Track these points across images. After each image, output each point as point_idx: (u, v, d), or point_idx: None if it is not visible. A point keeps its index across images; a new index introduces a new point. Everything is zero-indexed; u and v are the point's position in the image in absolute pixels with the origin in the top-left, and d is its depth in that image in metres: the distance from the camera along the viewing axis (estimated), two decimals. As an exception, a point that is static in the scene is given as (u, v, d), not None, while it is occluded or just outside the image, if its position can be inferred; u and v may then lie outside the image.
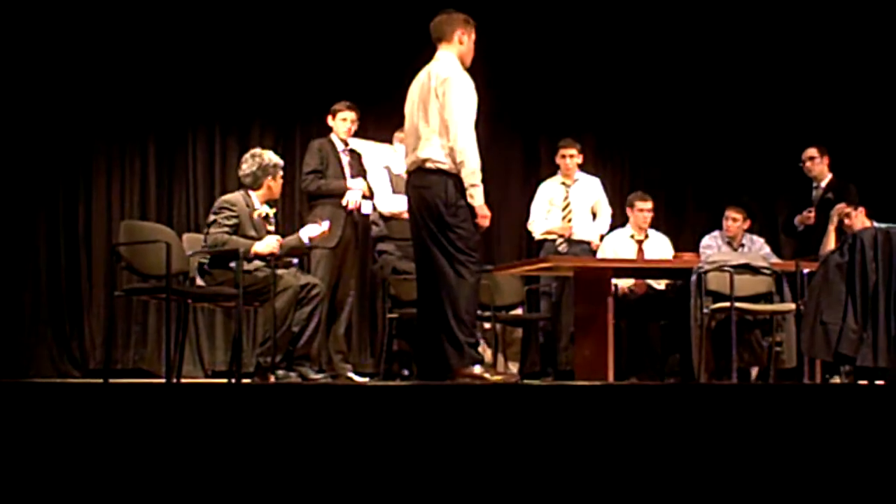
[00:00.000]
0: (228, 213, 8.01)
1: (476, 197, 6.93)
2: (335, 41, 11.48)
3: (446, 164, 6.93)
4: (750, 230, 10.30)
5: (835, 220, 9.30)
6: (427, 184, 6.99)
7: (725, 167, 12.73)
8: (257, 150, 8.45)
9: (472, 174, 6.90)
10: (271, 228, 8.25)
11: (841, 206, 9.35)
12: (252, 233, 8.05)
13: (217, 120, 11.40)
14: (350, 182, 8.98)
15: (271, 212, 8.32)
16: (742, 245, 10.10)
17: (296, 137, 11.46)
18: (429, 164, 6.97)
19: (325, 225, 8.42)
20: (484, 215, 6.98)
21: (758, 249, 9.98)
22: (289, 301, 7.91)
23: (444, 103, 6.93)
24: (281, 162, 8.40)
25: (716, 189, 12.33)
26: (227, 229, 7.94)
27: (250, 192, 8.24)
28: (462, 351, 6.88)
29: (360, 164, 9.24)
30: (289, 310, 7.92)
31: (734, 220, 10.16)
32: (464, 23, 7.18)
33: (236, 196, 8.23)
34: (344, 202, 8.90)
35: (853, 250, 7.71)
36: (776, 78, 12.71)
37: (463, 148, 6.87)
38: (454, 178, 6.93)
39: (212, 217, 8.07)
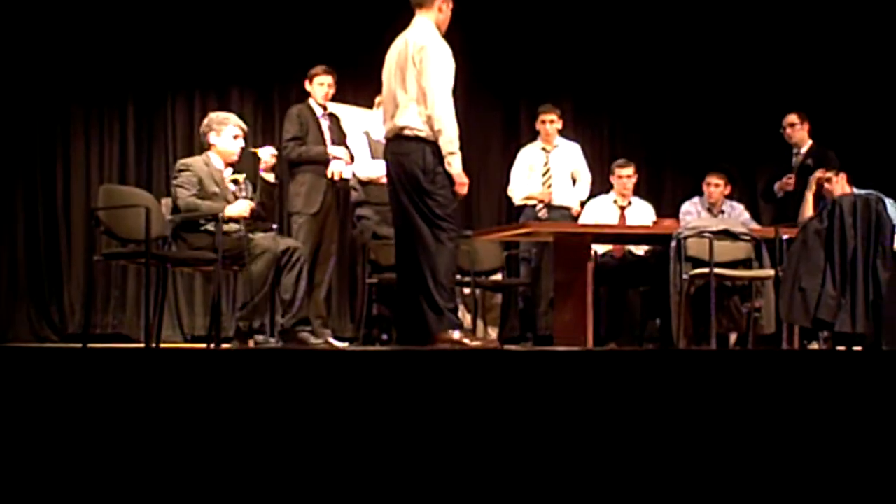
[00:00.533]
0: (188, 174, 7.98)
1: (454, 164, 6.97)
2: (314, 4, 11.43)
3: (424, 132, 6.96)
4: (729, 196, 10.30)
5: (813, 186, 9.32)
6: (405, 151, 7.02)
7: (705, 133, 12.75)
8: (214, 113, 8.49)
9: (449, 142, 6.94)
10: (243, 195, 8.21)
11: (819, 173, 9.36)
12: (215, 189, 8.02)
13: (196, 84, 11.36)
14: (332, 150, 8.96)
15: (241, 177, 8.27)
16: (722, 211, 10.11)
17: (274, 101, 11.45)
18: (407, 132, 6.99)
19: (266, 150, 8.38)
20: (462, 183, 7.02)
21: (738, 216, 9.99)
22: (267, 264, 7.88)
23: (422, 70, 6.95)
24: (234, 120, 8.30)
25: (696, 155, 12.34)
26: (194, 191, 7.92)
27: (208, 153, 8.23)
28: (442, 315, 6.91)
29: (340, 129, 9.22)
30: (268, 273, 7.89)
31: (716, 185, 10.16)
32: None
33: (193, 158, 8.23)
34: (329, 173, 8.88)
35: (832, 217, 7.74)
36: (757, 43, 12.71)
37: (440, 116, 6.90)
38: (432, 145, 6.96)
39: (174, 182, 8.04)
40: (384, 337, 9.60)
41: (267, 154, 8.31)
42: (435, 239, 6.94)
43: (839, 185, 9.29)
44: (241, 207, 7.98)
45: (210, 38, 11.24)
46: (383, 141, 7.35)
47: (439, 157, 6.95)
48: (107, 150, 11.11)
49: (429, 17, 7.15)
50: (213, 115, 8.36)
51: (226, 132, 8.22)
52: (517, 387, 4.80)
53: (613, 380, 5.00)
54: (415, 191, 6.98)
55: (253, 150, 8.38)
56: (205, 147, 8.26)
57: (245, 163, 8.44)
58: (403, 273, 7.15)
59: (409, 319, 7.05)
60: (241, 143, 8.30)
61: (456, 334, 6.91)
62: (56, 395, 4.33)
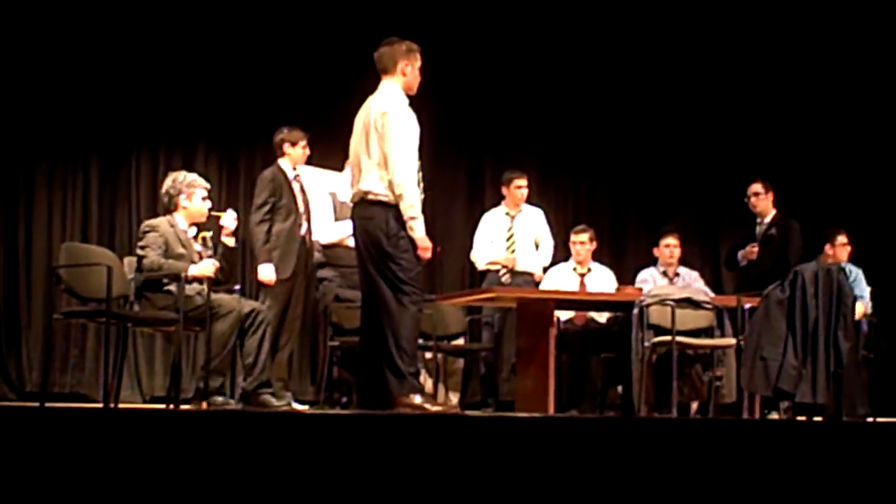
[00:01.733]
0: (154, 234, 7.99)
1: (416, 229, 7.01)
2: (283, 64, 11.44)
3: (387, 196, 7.00)
4: (687, 263, 10.31)
5: None
6: (369, 215, 7.06)
7: (670, 200, 12.80)
8: (179, 172, 8.46)
9: (410, 207, 6.98)
10: (209, 253, 8.21)
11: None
12: (181, 250, 8.01)
13: (161, 143, 11.32)
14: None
15: (207, 235, 8.26)
16: (677, 274, 10.13)
17: (240, 160, 11.42)
18: (370, 197, 7.04)
19: (229, 215, 8.37)
20: (424, 247, 7.05)
21: (691, 282, 10.00)
22: (232, 324, 7.88)
23: (384, 135, 7.01)
24: (200, 182, 8.33)
25: (660, 222, 12.38)
26: (159, 251, 7.91)
27: (174, 214, 8.22)
28: (403, 380, 6.91)
29: (304, 191, 9.21)
30: (231, 333, 7.89)
31: (674, 246, 10.15)
32: (406, 53, 7.24)
33: (159, 220, 8.23)
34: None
35: (794, 286, 7.76)
36: (723, 110, 12.81)
37: (401, 181, 6.95)
38: (395, 209, 7.01)
39: (140, 242, 8.03)
40: (344, 400, 9.55)
41: (230, 219, 8.33)
42: (397, 303, 6.96)
43: (841, 251, 9.53)
44: (206, 266, 7.96)
45: (176, 96, 11.21)
46: (350, 203, 7.36)
47: (402, 221, 6.98)
48: (70, 207, 11.04)
49: (394, 81, 7.21)
50: (179, 177, 8.33)
51: (196, 195, 8.24)
52: (478, 452, 4.78)
53: (574, 447, 4.99)
54: (378, 255, 7.00)
55: (216, 213, 8.37)
56: (170, 208, 8.24)
57: (208, 224, 8.44)
58: (367, 336, 7.16)
59: (372, 383, 7.05)
60: (208, 203, 8.33)
61: (417, 399, 6.91)
62: (13, 454, 4.28)
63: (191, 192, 8.25)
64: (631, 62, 12.64)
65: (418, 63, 7.28)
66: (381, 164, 7.00)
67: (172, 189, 8.26)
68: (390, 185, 6.97)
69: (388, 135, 6.99)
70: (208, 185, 8.42)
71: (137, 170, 11.24)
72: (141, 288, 7.89)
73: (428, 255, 7.11)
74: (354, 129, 7.27)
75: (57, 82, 10.88)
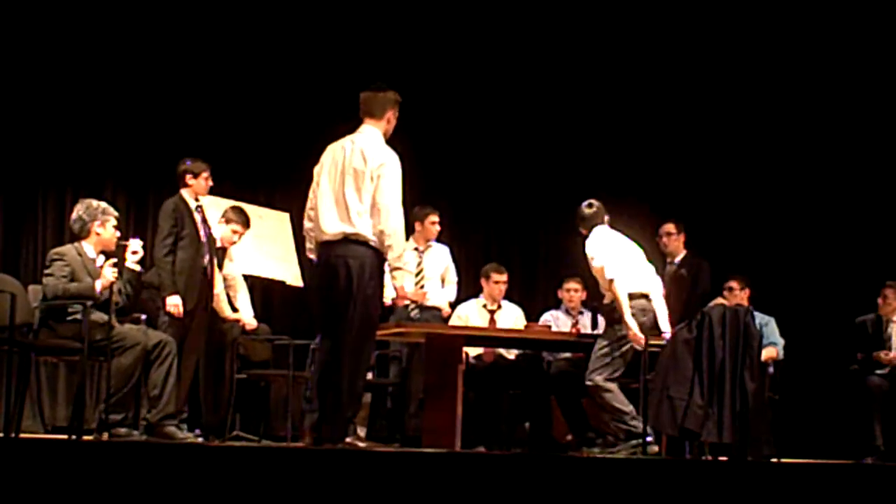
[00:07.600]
0: (60, 263, 7.92)
1: (398, 279, 7.19)
2: (188, 104, 11.36)
3: (374, 241, 7.07)
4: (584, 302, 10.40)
5: None
6: (353, 254, 7.09)
7: (578, 239, 12.87)
8: (89, 200, 8.38)
9: (398, 258, 7.12)
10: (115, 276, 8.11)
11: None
12: (87, 279, 7.93)
13: (68, 182, 11.16)
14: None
15: (108, 263, 8.13)
16: (581, 313, 10.21)
17: (149, 202, 11.29)
18: (360, 237, 7.06)
19: (136, 242, 8.31)
20: (403, 296, 7.37)
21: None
22: (135, 358, 7.79)
23: (379, 187, 7.06)
24: (112, 211, 8.28)
25: (567, 261, 12.44)
26: (64, 279, 7.83)
27: (82, 242, 8.14)
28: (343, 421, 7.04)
29: (206, 221, 9.13)
30: (134, 367, 7.80)
31: (575, 290, 10.29)
32: (395, 103, 7.36)
33: (66, 247, 8.17)
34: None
35: (701, 327, 7.83)
36: (631, 154, 12.91)
37: (393, 232, 7.05)
38: (377, 254, 7.08)
39: (46, 271, 7.96)
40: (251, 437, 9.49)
41: (137, 245, 8.25)
42: (362, 342, 7.08)
43: (738, 297, 9.61)
44: (107, 276, 7.88)
45: (84, 138, 11.09)
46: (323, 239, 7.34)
47: (381, 267, 7.11)
48: (-26, 236, 10.90)
49: (378, 127, 7.25)
50: (93, 204, 8.23)
51: (109, 223, 8.17)
52: (384, 488, 4.76)
53: (481, 483, 4.98)
54: (351, 294, 7.05)
55: (123, 243, 8.30)
56: (81, 235, 8.14)
57: (115, 252, 8.34)
58: (325, 373, 7.14)
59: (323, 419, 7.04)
60: (118, 232, 8.26)
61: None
62: None
63: (105, 220, 8.19)
64: (539, 106, 12.74)
65: (397, 113, 7.37)
66: (372, 210, 7.04)
67: (86, 215, 8.17)
68: (380, 233, 7.03)
69: (386, 185, 7.06)
70: (117, 214, 8.36)
71: (43, 210, 11.10)
72: (45, 317, 7.79)
73: (401, 303, 7.22)
74: (328, 167, 7.25)
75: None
